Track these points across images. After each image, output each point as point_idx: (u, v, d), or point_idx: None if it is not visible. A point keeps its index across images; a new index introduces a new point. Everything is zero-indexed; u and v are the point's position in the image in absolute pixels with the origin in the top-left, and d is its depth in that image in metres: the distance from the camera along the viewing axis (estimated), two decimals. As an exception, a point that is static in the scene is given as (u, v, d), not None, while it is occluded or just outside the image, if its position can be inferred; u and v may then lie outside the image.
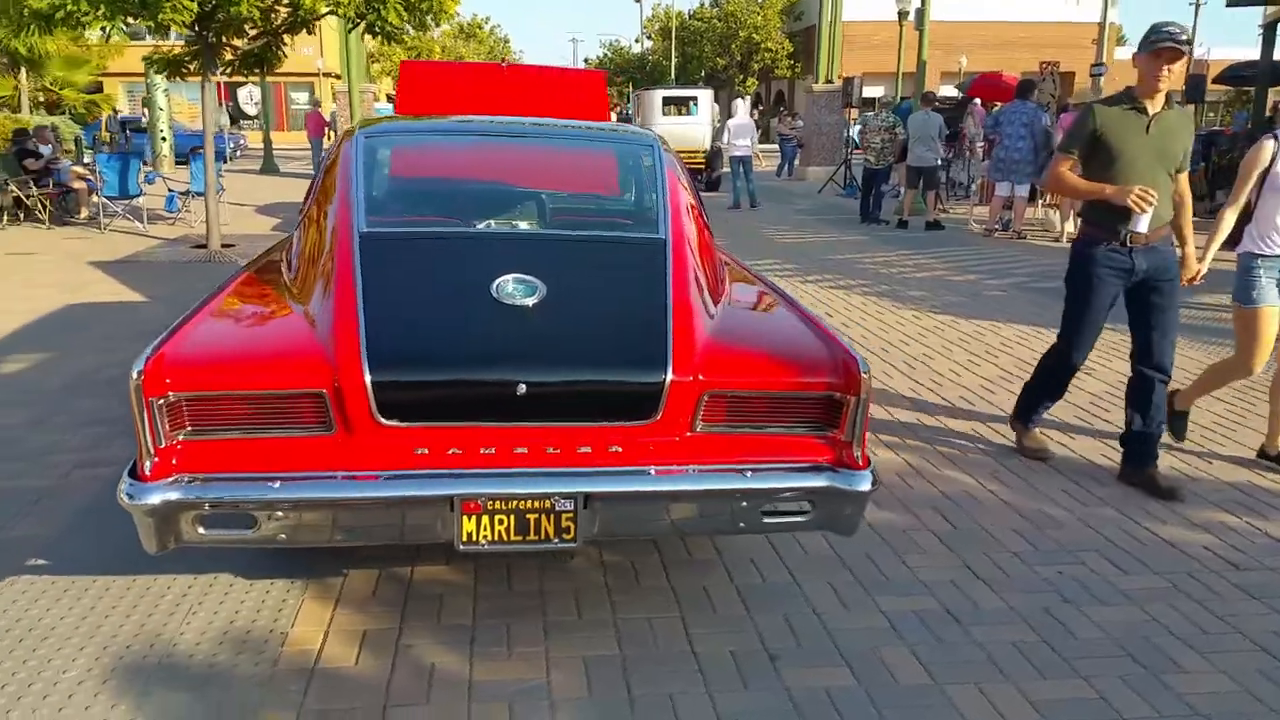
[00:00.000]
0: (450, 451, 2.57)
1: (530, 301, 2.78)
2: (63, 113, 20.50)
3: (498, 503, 2.55)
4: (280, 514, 2.49)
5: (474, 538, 2.58)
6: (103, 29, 8.85)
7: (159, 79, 19.92)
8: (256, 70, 11.89)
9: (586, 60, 78.55)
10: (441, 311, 2.80)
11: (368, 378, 2.50)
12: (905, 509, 3.96)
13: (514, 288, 2.81)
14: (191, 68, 10.76)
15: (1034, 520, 3.88)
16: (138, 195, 12.49)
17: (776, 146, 25.59)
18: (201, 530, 2.50)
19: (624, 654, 2.86)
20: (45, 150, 12.53)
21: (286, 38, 11.11)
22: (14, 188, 12.03)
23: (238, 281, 3.34)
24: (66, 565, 3.31)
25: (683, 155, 17.41)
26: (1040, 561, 3.53)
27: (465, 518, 2.55)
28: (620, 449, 2.66)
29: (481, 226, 3.33)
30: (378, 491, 2.51)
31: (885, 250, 11.65)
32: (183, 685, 2.65)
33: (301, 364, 2.53)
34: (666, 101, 19.67)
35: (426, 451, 2.57)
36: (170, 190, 13.32)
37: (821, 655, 2.88)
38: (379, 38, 10.78)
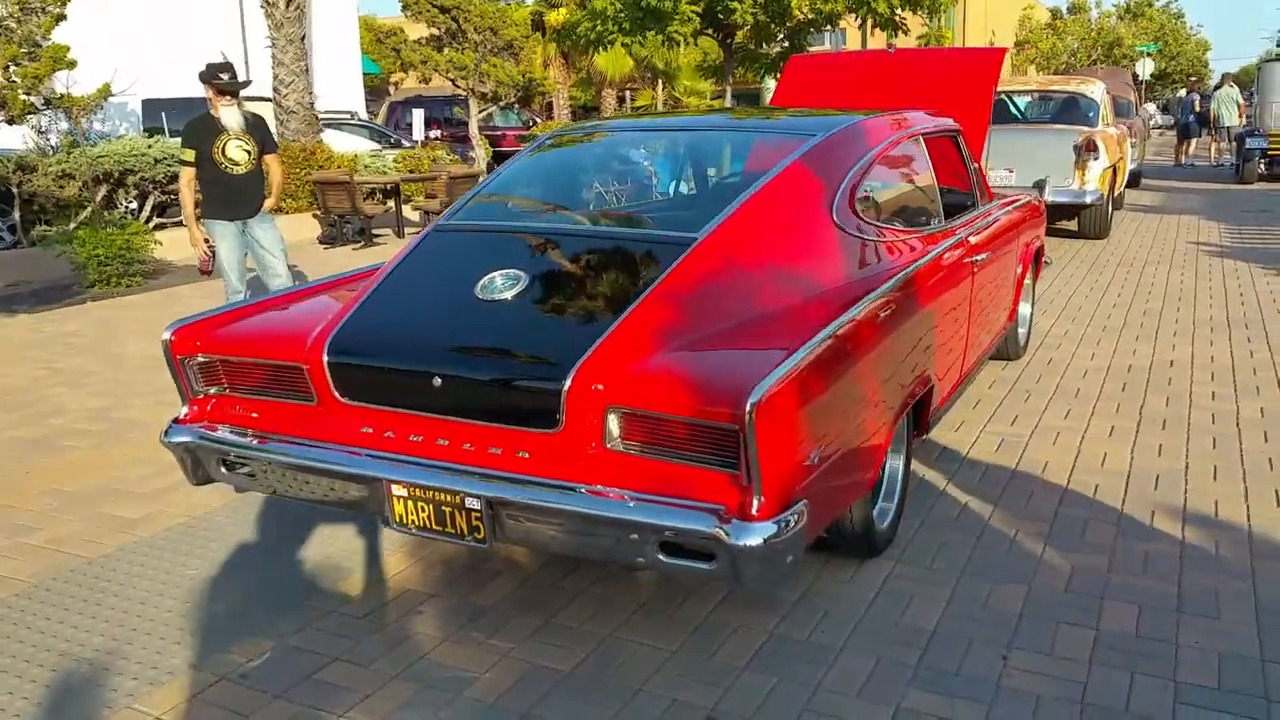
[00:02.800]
0: (386, 434, 2.72)
1: (506, 297, 2.79)
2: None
3: (417, 489, 2.62)
4: (263, 468, 2.89)
5: (404, 520, 2.69)
6: (625, 44, 10.17)
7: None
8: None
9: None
10: (419, 303, 2.95)
11: (325, 357, 2.76)
12: (1127, 604, 2.97)
13: (499, 283, 2.83)
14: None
15: (1289, 654, 2.63)
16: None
17: None
18: (223, 471, 3.01)
19: (572, 674, 2.71)
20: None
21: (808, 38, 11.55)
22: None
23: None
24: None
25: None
26: (1212, 706, 2.41)
27: (395, 499, 2.68)
28: (528, 455, 2.54)
29: (555, 223, 3.37)
30: (320, 462, 2.76)
31: None
32: (252, 577, 3.28)
33: (289, 340, 2.88)
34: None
35: (370, 431, 2.75)
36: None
37: (757, 737, 2.40)
38: (884, 29, 10.62)
